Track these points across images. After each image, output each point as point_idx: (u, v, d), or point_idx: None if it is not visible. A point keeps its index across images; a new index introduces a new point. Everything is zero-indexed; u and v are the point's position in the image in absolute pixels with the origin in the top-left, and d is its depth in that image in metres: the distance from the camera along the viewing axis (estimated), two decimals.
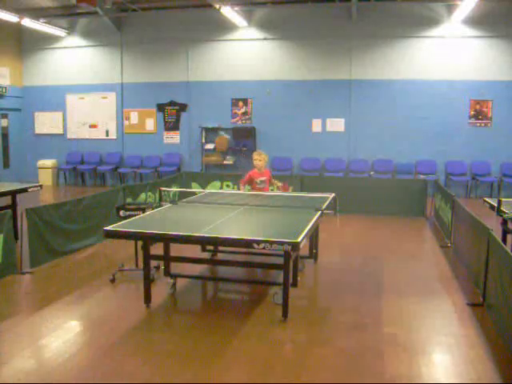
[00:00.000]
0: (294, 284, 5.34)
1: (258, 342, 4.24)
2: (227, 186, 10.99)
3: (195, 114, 14.18)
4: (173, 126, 14.41)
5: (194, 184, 11.11)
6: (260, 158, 7.06)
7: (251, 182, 7.15)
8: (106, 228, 4.70)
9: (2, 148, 14.69)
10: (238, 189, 7.48)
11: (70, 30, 14.69)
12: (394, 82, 12.95)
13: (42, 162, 14.90)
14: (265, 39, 13.53)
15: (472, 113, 12.68)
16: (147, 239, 4.79)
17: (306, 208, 5.79)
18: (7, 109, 14.82)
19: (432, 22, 12.62)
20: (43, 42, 14.85)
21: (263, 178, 7.10)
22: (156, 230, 4.65)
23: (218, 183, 11.09)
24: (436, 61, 12.71)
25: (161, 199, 7.36)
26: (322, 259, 6.78)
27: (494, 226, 5.36)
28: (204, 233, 4.56)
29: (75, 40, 14.77)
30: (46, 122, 15.25)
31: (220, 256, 6.69)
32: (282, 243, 4.19)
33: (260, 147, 12.96)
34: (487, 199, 6.87)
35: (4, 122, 14.85)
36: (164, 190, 7.85)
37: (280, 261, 4.69)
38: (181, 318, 4.87)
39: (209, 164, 14.01)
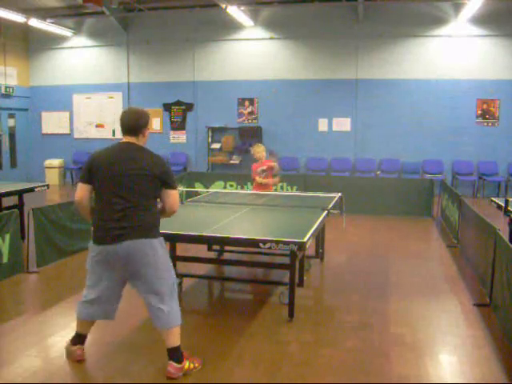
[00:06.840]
0: (301, 284, 5.33)
1: (264, 341, 4.24)
2: (231, 185, 10.98)
3: (201, 113, 14.19)
4: (179, 126, 14.43)
5: (197, 184, 11.11)
6: (259, 150, 7.34)
7: (255, 174, 7.38)
8: None
9: (9, 148, 14.76)
10: (252, 185, 7.77)
11: (77, 30, 14.74)
12: (401, 82, 12.90)
13: (48, 162, 14.96)
14: (271, 38, 13.52)
15: (479, 112, 12.61)
16: None
17: (312, 208, 5.78)
18: (14, 109, 14.88)
19: (439, 21, 12.55)
20: (50, 42, 14.90)
21: (264, 167, 7.28)
22: (163, 229, 4.64)
23: (221, 183, 11.09)
24: (443, 60, 12.64)
25: None
26: (328, 259, 6.77)
27: (502, 226, 5.33)
28: (210, 232, 4.56)
29: (82, 40, 14.82)
30: (53, 122, 15.31)
31: (226, 256, 6.69)
32: (288, 243, 4.19)
33: (266, 146, 12.91)
34: (494, 199, 6.84)
35: (11, 122, 14.93)
36: None
37: (286, 260, 4.69)
38: (186, 318, 4.84)
39: (215, 164, 14.03)
